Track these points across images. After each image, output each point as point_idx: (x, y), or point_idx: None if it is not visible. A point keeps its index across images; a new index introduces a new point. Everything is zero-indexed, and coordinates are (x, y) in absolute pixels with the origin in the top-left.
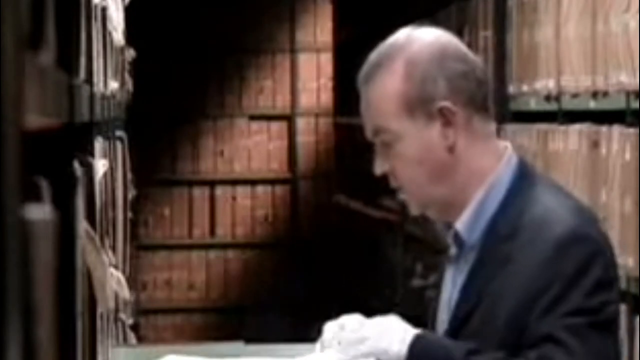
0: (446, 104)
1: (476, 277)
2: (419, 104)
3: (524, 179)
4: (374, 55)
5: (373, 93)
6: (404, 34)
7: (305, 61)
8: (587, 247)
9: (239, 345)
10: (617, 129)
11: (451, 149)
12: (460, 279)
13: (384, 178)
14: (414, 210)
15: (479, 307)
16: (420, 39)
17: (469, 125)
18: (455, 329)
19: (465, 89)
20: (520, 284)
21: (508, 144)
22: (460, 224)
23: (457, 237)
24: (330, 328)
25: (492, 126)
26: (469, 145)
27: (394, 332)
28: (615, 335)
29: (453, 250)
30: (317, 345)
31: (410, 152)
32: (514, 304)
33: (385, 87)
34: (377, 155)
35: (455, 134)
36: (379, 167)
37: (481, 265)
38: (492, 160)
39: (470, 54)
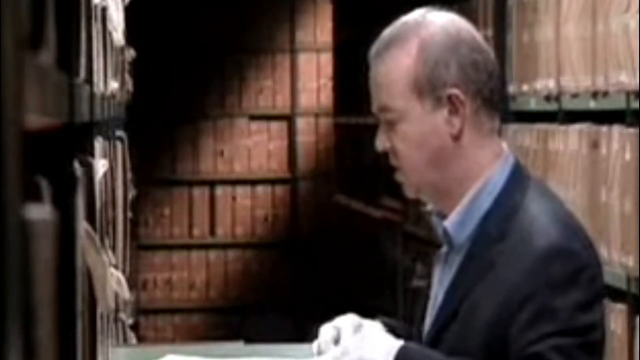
0: (456, 91)
1: (462, 279)
2: (428, 87)
3: (517, 181)
4: (387, 32)
5: (383, 69)
6: (419, 14)
7: (305, 61)
8: (570, 262)
9: (239, 345)
10: (617, 129)
11: (456, 138)
12: (447, 279)
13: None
14: (408, 193)
15: (461, 308)
16: (437, 21)
17: (475, 117)
18: (438, 330)
19: (475, 79)
20: (503, 290)
21: (505, 145)
22: (449, 223)
23: (446, 235)
24: (326, 330)
25: (496, 123)
26: (472, 137)
27: (379, 344)
28: (601, 354)
29: (444, 249)
30: (313, 347)
31: (413, 134)
32: (495, 309)
33: (396, 66)
34: (379, 132)
35: (462, 123)
36: (380, 144)
37: (467, 266)
38: (490, 157)
39: (483, 43)
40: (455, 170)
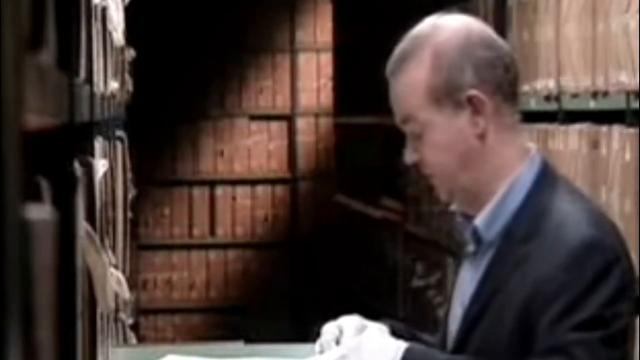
0: (475, 92)
1: (491, 276)
2: (446, 94)
3: (545, 181)
4: (401, 46)
5: (400, 84)
6: (429, 23)
7: (305, 61)
8: (603, 256)
9: (239, 345)
10: (617, 129)
11: (481, 137)
12: (477, 277)
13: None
14: (442, 197)
15: (491, 306)
16: (446, 27)
17: (497, 114)
18: (467, 327)
19: (492, 77)
20: (533, 287)
21: (533, 144)
22: (479, 220)
23: (475, 234)
24: (329, 329)
25: (517, 115)
26: (497, 135)
27: (382, 347)
28: (624, 347)
29: (471, 248)
30: (316, 346)
31: (439, 141)
32: (524, 306)
33: (412, 79)
34: (407, 145)
35: (485, 122)
36: (409, 157)
37: (497, 264)
38: (517, 154)
39: (497, 39)
40: (485, 170)
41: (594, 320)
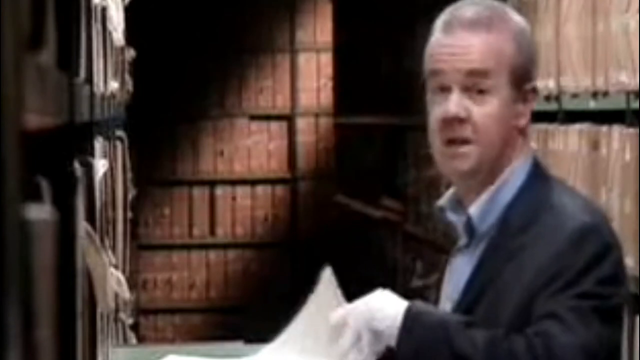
0: (535, 85)
1: (484, 268)
2: (520, 76)
3: (538, 176)
4: (475, 9)
5: (489, 42)
6: (494, 4)
7: (305, 61)
8: (599, 242)
9: (239, 345)
10: (617, 129)
11: (522, 132)
12: (469, 269)
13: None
14: (467, 164)
15: (484, 297)
16: (515, 16)
17: (530, 117)
18: (462, 314)
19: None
20: (529, 277)
21: (532, 144)
22: (473, 211)
23: (468, 225)
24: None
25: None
26: (527, 136)
27: (390, 303)
28: (617, 327)
29: (463, 240)
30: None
31: (498, 111)
32: (520, 297)
33: (501, 45)
34: (457, 97)
35: (526, 118)
36: (456, 107)
37: (490, 256)
38: (519, 153)
39: None
40: (507, 158)
41: (589, 293)
